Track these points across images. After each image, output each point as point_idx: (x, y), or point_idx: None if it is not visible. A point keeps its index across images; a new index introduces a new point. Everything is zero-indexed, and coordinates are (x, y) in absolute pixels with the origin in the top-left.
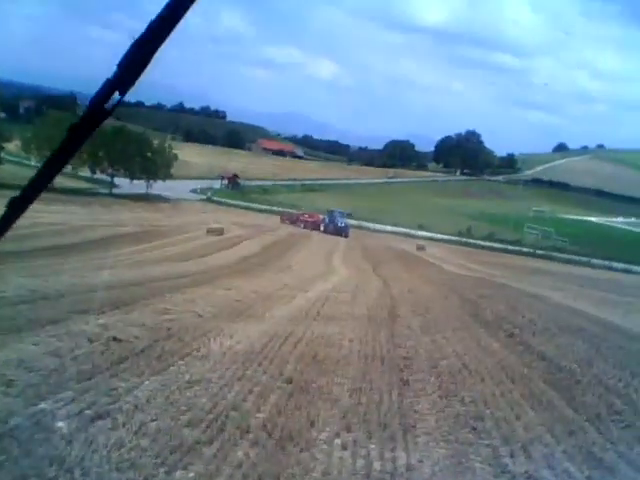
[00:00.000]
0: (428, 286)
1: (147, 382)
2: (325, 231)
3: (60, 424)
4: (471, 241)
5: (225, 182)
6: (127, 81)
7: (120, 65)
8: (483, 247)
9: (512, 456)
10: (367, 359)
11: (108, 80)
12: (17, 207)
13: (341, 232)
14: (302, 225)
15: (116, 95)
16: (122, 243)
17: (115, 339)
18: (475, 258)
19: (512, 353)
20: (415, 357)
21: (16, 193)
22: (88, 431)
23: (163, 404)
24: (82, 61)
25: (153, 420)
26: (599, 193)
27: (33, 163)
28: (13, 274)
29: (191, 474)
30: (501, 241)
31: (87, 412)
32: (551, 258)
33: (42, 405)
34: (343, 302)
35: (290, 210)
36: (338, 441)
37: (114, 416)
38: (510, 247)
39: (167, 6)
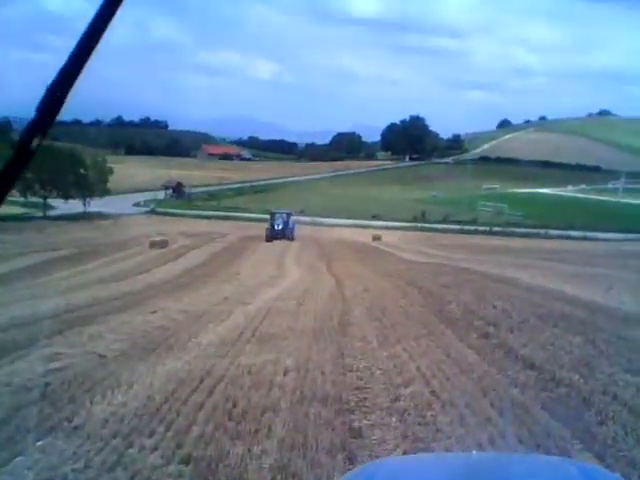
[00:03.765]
0: (385, 280)
1: None
2: (268, 237)
3: None
4: (427, 225)
5: (169, 192)
6: (47, 122)
7: (38, 109)
8: (439, 230)
9: None
10: (305, 402)
11: (29, 124)
12: None
13: (284, 235)
14: None
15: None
16: (53, 268)
17: None
18: (432, 242)
19: (492, 364)
20: (369, 386)
21: None
22: None
23: None
24: (12, 86)
25: None
26: (546, 164)
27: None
28: None
29: None
30: (457, 222)
31: None
32: (508, 234)
33: None
34: (287, 312)
35: (238, 214)
36: None
37: None
38: (466, 227)
39: (89, 26)
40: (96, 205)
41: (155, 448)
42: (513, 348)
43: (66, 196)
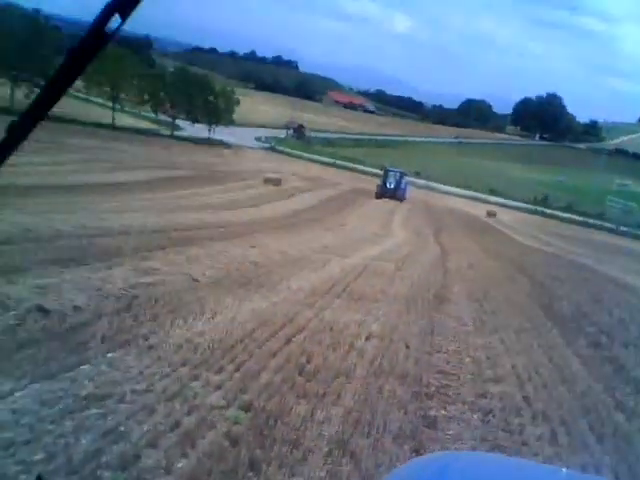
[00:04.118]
0: (493, 261)
1: (24, 391)
2: (378, 194)
3: None
4: (547, 211)
5: (290, 132)
6: (128, 4)
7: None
8: (560, 218)
9: None
10: (382, 375)
11: (108, 3)
12: (16, 134)
13: (395, 195)
14: None
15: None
16: (172, 186)
17: (42, 309)
18: (551, 230)
19: (598, 380)
20: (455, 373)
21: None
22: None
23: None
24: None
25: None
26: None
27: (92, 99)
28: (15, 210)
29: None
30: (580, 213)
31: None
32: (636, 236)
33: None
34: (383, 274)
35: (354, 165)
36: None
37: None
38: (590, 221)
39: None
40: (220, 133)
41: (219, 387)
42: (626, 366)
43: (193, 119)
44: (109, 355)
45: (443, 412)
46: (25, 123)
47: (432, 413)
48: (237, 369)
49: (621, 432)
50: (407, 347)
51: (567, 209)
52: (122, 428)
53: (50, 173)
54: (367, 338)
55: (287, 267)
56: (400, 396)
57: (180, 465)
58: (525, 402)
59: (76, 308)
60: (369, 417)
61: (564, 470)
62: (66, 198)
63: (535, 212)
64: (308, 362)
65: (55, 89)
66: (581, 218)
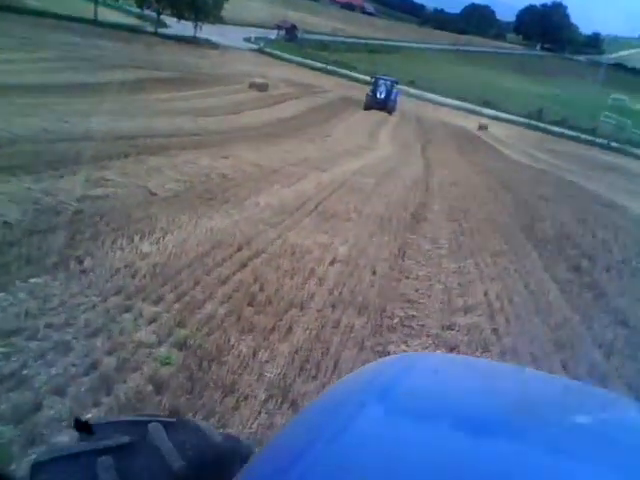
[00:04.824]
0: (479, 177)
1: None
2: (367, 105)
3: None
4: (540, 125)
5: (282, 33)
6: None
7: None
8: (553, 133)
9: None
10: (340, 307)
11: None
12: None
13: (385, 106)
14: None
15: None
16: (150, 88)
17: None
18: (542, 145)
19: (576, 310)
20: (422, 302)
21: None
22: None
23: None
24: None
25: None
26: None
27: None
28: None
29: None
30: (573, 128)
31: None
32: (626, 153)
33: None
34: (361, 191)
35: (347, 72)
36: None
37: None
38: (582, 136)
39: None
40: (207, 32)
41: (153, 320)
42: (607, 293)
43: (179, 16)
44: (31, 281)
45: (404, 347)
46: None
47: (391, 349)
48: (178, 299)
49: (598, 372)
50: (374, 273)
51: (561, 123)
52: (25, 371)
53: (19, 72)
54: (331, 263)
55: (259, 181)
56: (358, 330)
57: (88, 417)
58: (494, 335)
59: (5, 224)
60: (318, 356)
61: (528, 370)
62: (33, 99)
63: (528, 126)
64: (261, 291)
65: None
66: (574, 133)
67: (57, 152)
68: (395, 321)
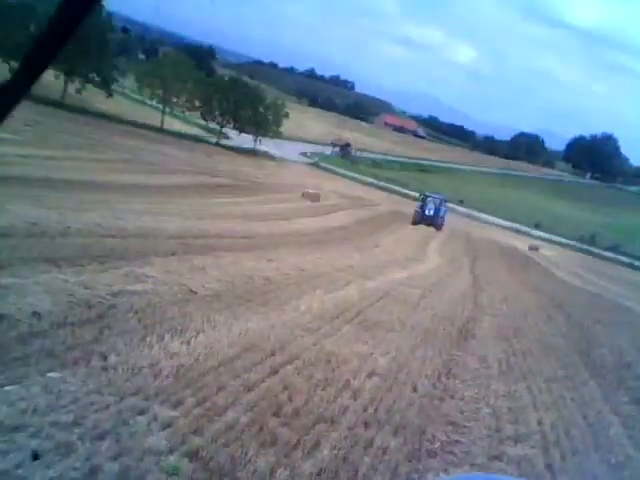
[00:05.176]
0: (530, 295)
1: None
2: (415, 220)
3: None
4: (593, 250)
5: (337, 149)
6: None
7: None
8: (606, 258)
9: None
10: (373, 424)
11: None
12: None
13: (433, 222)
14: None
15: None
16: (207, 193)
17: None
18: (595, 269)
19: None
20: (469, 427)
21: None
22: None
23: None
24: None
25: None
26: None
27: (140, 98)
28: (32, 203)
29: None
30: (627, 255)
31: None
32: None
33: None
34: (406, 302)
35: (397, 188)
36: None
37: None
38: (636, 263)
39: None
40: (266, 145)
41: (168, 425)
42: None
43: (241, 129)
44: (48, 375)
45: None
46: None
47: (428, 477)
48: (198, 404)
49: None
50: (414, 390)
51: (614, 249)
52: (19, 471)
53: (86, 170)
54: (369, 375)
55: (301, 285)
56: (392, 452)
57: None
58: (549, 472)
59: (34, 314)
60: None
61: None
62: (94, 196)
63: (580, 250)
64: (289, 401)
65: (33, 65)
66: (627, 259)
67: (106, 247)
68: (436, 445)
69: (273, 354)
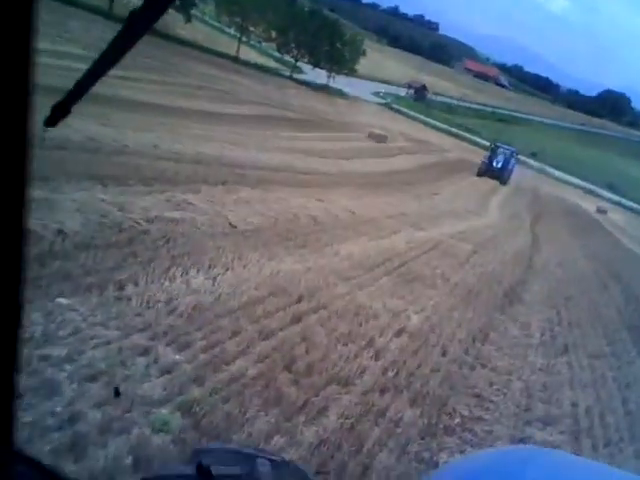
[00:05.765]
0: (588, 261)
1: None
2: (480, 171)
3: None
4: None
5: (411, 92)
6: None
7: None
8: None
9: None
10: (390, 391)
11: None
12: (60, 109)
13: (500, 176)
14: None
15: None
16: (274, 126)
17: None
18: None
19: None
20: (495, 402)
21: None
22: None
23: None
24: None
25: None
26: None
27: (218, 25)
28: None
29: None
30: None
31: None
32: None
33: None
34: (455, 256)
35: (470, 135)
36: None
37: None
38: None
39: None
40: (339, 82)
41: (168, 371)
42: None
43: (316, 64)
44: (57, 300)
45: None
46: (67, 102)
47: (441, 458)
48: (206, 349)
49: None
50: (443, 354)
51: None
52: None
53: (156, 93)
54: (396, 334)
55: (347, 229)
56: (405, 427)
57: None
58: None
59: (59, 233)
60: (345, 456)
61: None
62: (157, 118)
63: None
64: (306, 354)
65: (109, 58)
66: None
67: (157, 169)
68: (455, 421)
69: (300, 301)
